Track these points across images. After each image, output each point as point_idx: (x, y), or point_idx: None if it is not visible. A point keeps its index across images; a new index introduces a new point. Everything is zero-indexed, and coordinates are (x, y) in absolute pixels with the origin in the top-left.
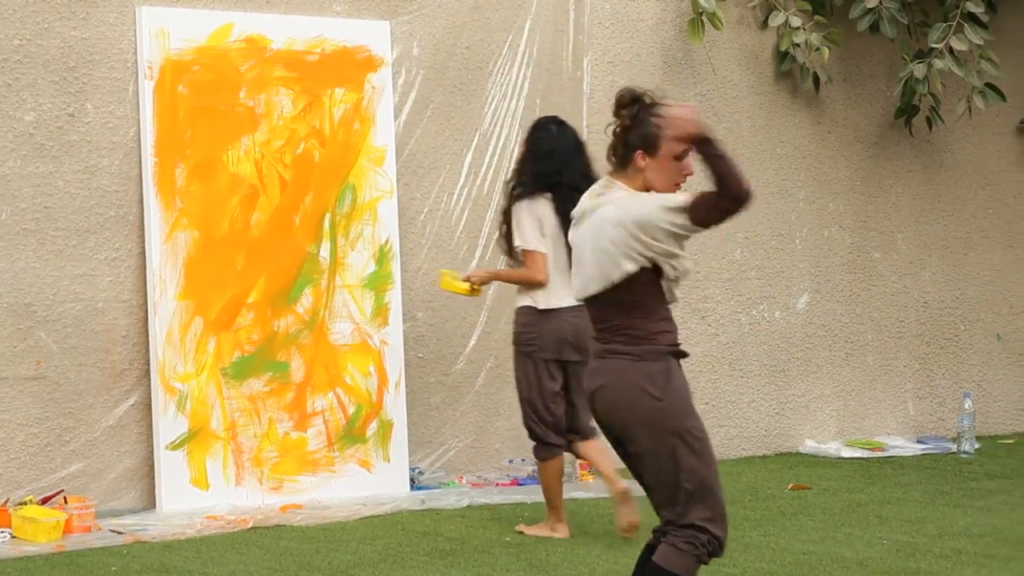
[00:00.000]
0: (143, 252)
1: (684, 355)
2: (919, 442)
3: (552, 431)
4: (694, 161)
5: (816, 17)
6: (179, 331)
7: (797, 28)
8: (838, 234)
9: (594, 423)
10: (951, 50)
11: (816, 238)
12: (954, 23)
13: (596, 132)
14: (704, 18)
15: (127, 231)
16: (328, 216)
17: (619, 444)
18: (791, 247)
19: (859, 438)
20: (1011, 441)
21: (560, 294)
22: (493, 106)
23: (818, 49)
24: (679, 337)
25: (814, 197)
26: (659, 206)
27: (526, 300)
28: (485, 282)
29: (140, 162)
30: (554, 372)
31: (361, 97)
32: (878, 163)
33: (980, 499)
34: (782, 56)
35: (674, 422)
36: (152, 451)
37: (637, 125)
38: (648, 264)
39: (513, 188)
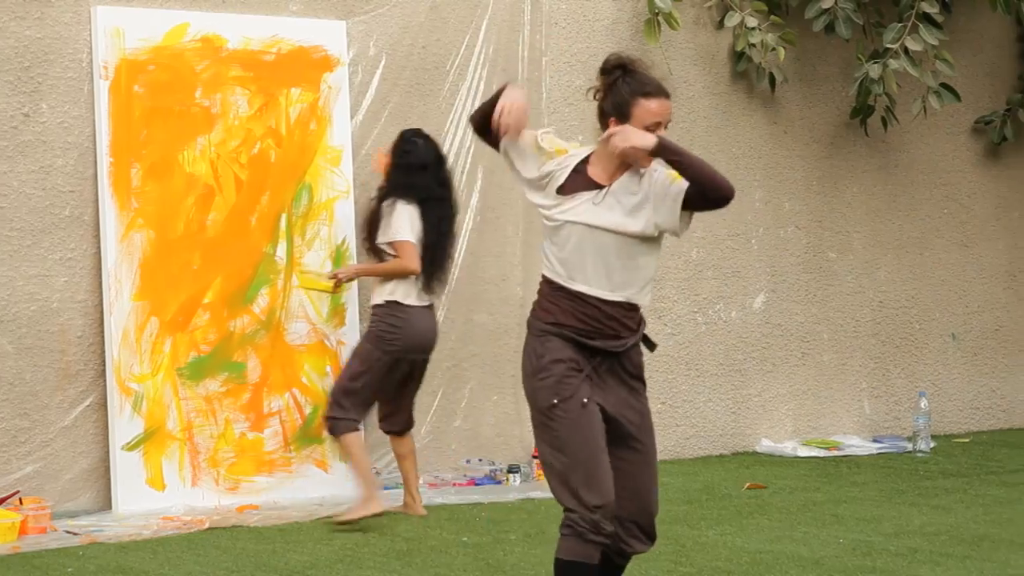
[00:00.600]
0: (98, 252)
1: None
2: (875, 441)
3: (361, 409)
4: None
5: (772, 17)
6: (135, 331)
7: (753, 28)
8: (794, 234)
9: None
10: (906, 50)
11: (772, 238)
12: (909, 23)
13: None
14: (660, 18)
15: (82, 231)
16: (284, 216)
17: None
18: (747, 247)
19: (815, 437)
20: (966, 440)
21: (417, 294)
22: (449, 106)
23: (774, 49)
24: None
25: (770, 197)
26: None
27: (387, 295)
28: (351, 279)
29: (95, 162)
30: (401, 369)
31: (317, 97)
32: (834, 163)
33: (936, 498)
34: (738, 56)
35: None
36: (108, 452)
37: (613, 93)
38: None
39: (383, 194)
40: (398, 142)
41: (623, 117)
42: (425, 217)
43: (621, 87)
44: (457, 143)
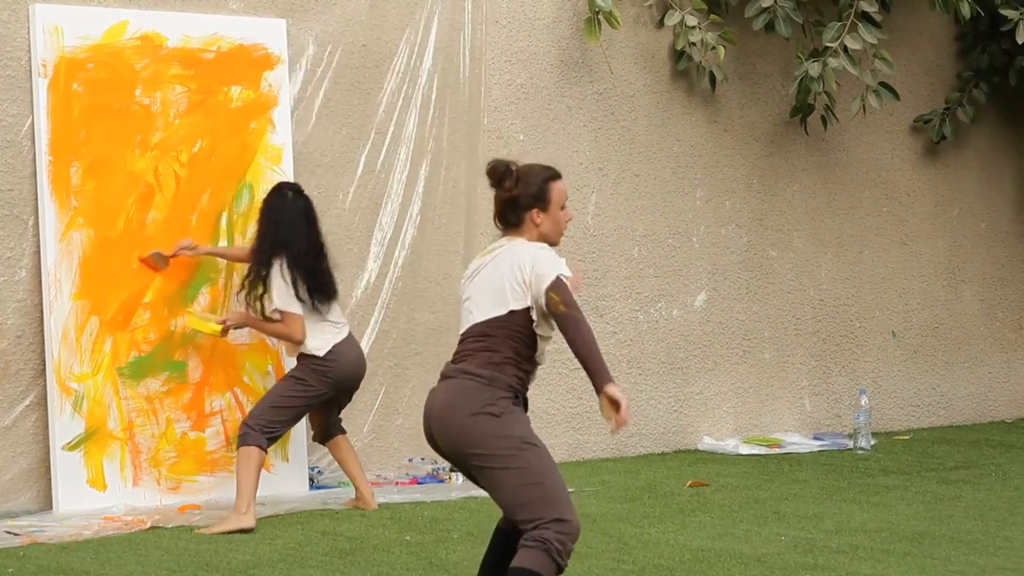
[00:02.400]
0: (38, 251)
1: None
2: (816, 439)
3: (280, 430)
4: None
5: (712, 16)
6: (75, 331)
7: (693, 27)
8: (735, 232)
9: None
10: (845, 49)
11: (713, 236)
12: (848, 22)
13: (493, 131)
14: (601, 17)
15: (21, 230)
16: (225, 215)
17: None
18: (688, 245)
19: (757, 435)
20: (906, 437)
21: (327, 335)
22: (390, 104)
23: (714, 48)
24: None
25: (711, 195)
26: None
27: (308, 348)
28: (240, 326)
29: (34, 160)
30: (324, 397)
31: (258, 95)
32: (774, 162)
33: (876, 495)
34: (678, 55)
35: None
36: (48, 452)
37: (525, 187)
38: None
39: (259, 253)
40: (269, 194)
41: (544, 203)
42: (290, 274)
43: (531, 181)
44: (398, 142)
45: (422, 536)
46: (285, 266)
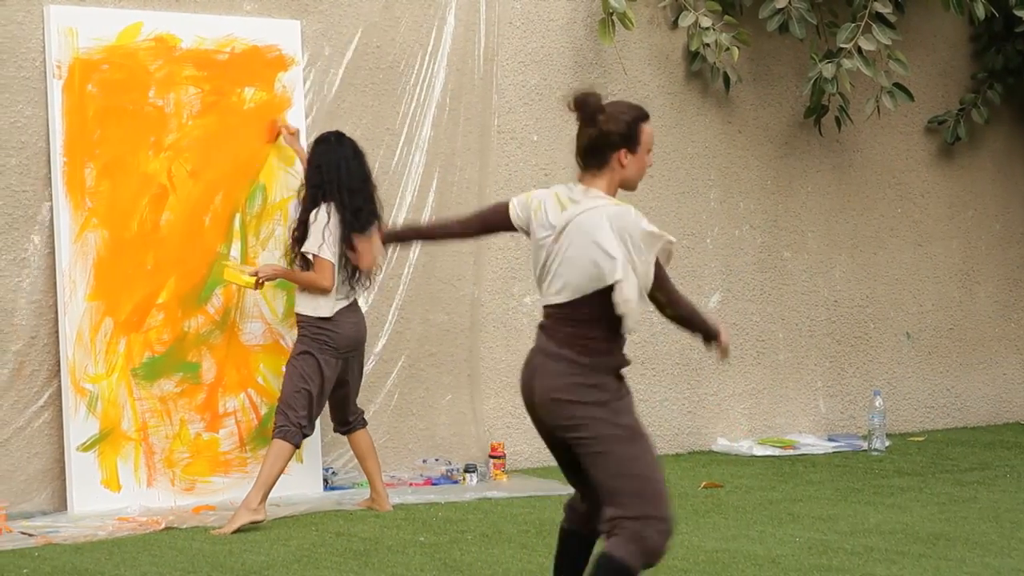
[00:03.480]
0: (52, 252)
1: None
2: (830, 440)
3: (310, 416)
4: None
5: (726, 17)
6: (89, 332)
7: (707, 28)
8: (749, 233)
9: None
10: (860, 50)
11: (727, 237)
12: (862, 23)
13: (507, 132)
14: (615, 18)
15: (36, 231)
16: (239, 216)
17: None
18: (702, 246)
19: (771, 436)
20: (921, 439)
21: (336, 297)
22: (404, 105)
23: (728, 49)
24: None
25: (725, 197)
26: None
27: (310, 309)
28: (272, 279)
29: (49, 162)
30: (336, 367)
31: (272, 96)
32: (788, 163)
33: (891, 496)
34: (692, 56)
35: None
36: (63, 452)
37: (615, 125)
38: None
39: (304, 196)
40: (314, 143)
41: (633, 144)
42: (343, 218)
43: (619, 117)
44: (412, 144)
45: (436, 537)
46: (331, 209)
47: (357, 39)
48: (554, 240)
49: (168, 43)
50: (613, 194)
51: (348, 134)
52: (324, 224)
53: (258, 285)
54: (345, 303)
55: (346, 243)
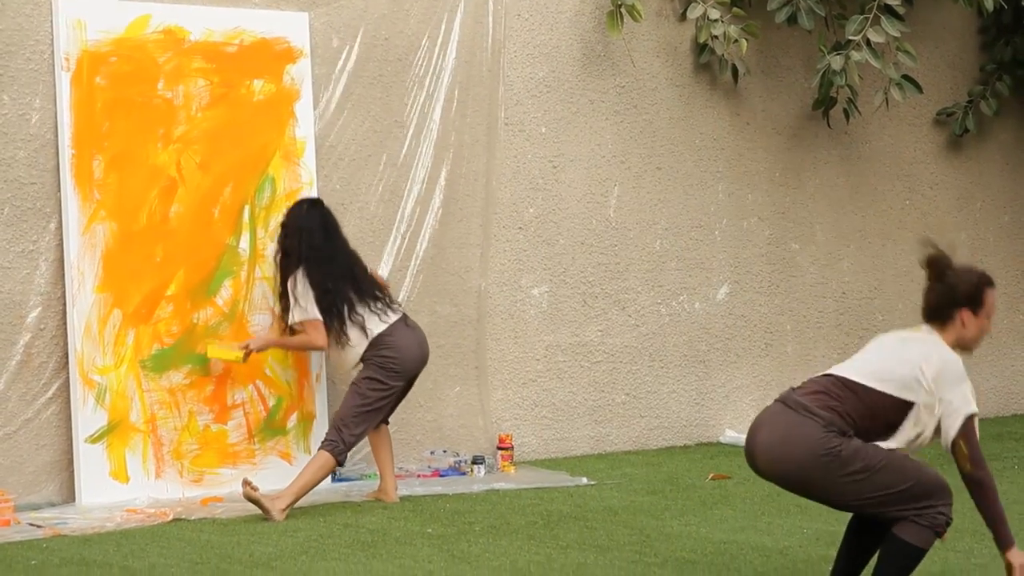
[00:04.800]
0: (61, 244)
1: None
2: None
3: (360, 435)
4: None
5: (734, 9)
6: (98, 324)
7: (715, 20)
8: (757, 225)
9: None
10: (868, 42)
11: (735, 229)
12: (871, 15)
13: (514, 124)
14: (623, 10)
15: (44, 223)
16: (247, 208)
17: None
18: (710, 238)
19: None
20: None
21: (359, 337)
22: (412, 98)
23: (736, 41)
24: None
25: (733, 188)
26: (959, 408)
27: (344, 362)
28: (262, 350)
29: (57, 154)
30: (400, 388)
31: (280, 89)
32: (796, 155)
33: None
34: (701, 48)
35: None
36: (71, 444)
37: (963, 284)
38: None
39: (281, 261)
40: (291, 208)
41: (977, 306)
42: (312, 283)
43: (968, 278)
44: (419, 135)
45: (444, 529)
46: (302, 275)
47: (365, 31)
48: (880, 337)
49: (177, 35)
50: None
51: (356, 127)
52: (301, 290)
53: (246, 358)
54: (381, 326)
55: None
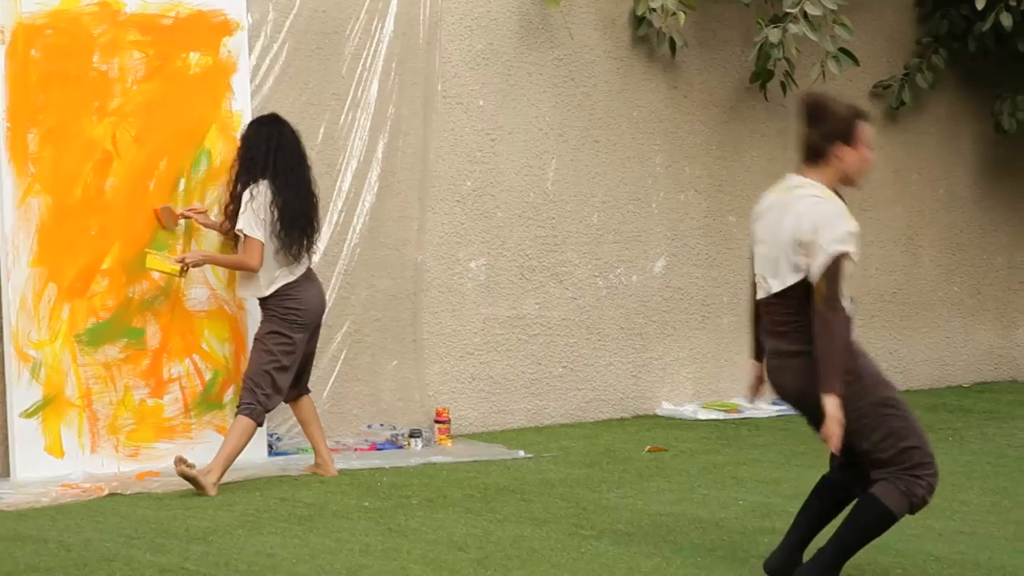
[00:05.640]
0: None
1: None
2: (774, 404)
3: (277, 393)
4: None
5: None
6: (33, 298)
7: None
8: (694, 198)
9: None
10: (805, 15)
11: (672, 202)
12: None
13: (452, 96)
14: None
15: None
16: (183, 181)
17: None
18: (648, 211)
19: (715, 400)
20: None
21: (277, 275)
22: (349, 71)
23: (674, 14)
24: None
25: (670, 161)
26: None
27: (250, 292)
28: (198, 264)
29: None
30: (304, 341)
31: (217, 61)
32: (734, 127)
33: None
34: (639, 21)
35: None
36: (6, 419)
37: (831, 119)
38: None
39: (238, 174)
40: (249, 125)
41: (850, 140)
42: (286, 190)
43: (839, 112)
44: (356, 108)
45: (381, 502)
46: (262, 189)
47: (302, 3)
48: (760, 218)
49: (112, 7)
50: (830, 187)
51: (293, 100)
52: (258, 202)
53: (183, 272)
54: (289, 278)
55: (282, 220)
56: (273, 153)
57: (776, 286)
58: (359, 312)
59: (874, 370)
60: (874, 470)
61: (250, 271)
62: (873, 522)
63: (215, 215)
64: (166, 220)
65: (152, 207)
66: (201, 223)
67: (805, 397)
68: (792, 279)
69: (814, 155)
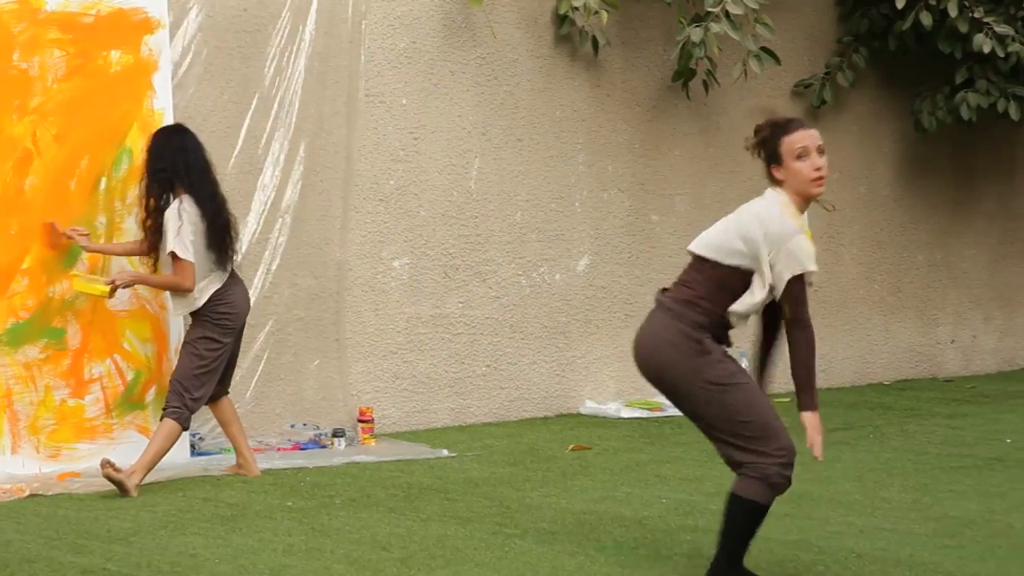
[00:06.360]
0: None
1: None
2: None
3: (203, 401)
4: (821, 157)
5: None
6: None
7: None
8: (617, 197)
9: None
10: (727, 14)
11: (595, 201)
12: None
13: (375, 95)
14: None
15: None
16: (104, 180)
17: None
18: (571, 210)
19: (639, 399)
20: (786, 399)
21: (206, 284)
22: (272, 69)
23: (597, 13)
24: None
25: (593, 160)
26: (789, 255)
27: (185, 307)
28: (128, 285)
29: None
30: (232, 344)
31: (138, 60)
32: (656, 126)
33: None
34: (561, 19)
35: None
36: None
37: (762, 146)
38: (749, 269)
39: (149, 187)
40: (153, 136)
41: (776, 159)
42: (209, 202)
43: (766, 137)
44: (279, 107)
45: (304, 502)
46: (190, 205)
47: (224, 2)
48: None
49: (32, 6)
50: (797, 204)
51: (215, 98)
52: (187, 221)
53: (112, 293)
54: (218, 284)
55: (210, 233)
56: (187, 165)
57: (709, 253)
58: (282, 311)
59: (724, 353)
60: (727, 454)
61: (184, 291)
62: (744, 517)
63: (135, 217)
64: (52, 238)
65: (43, 221)
66: (82, 246)
67: (663, 371)
68: (724, 259)
69: (771, 180)
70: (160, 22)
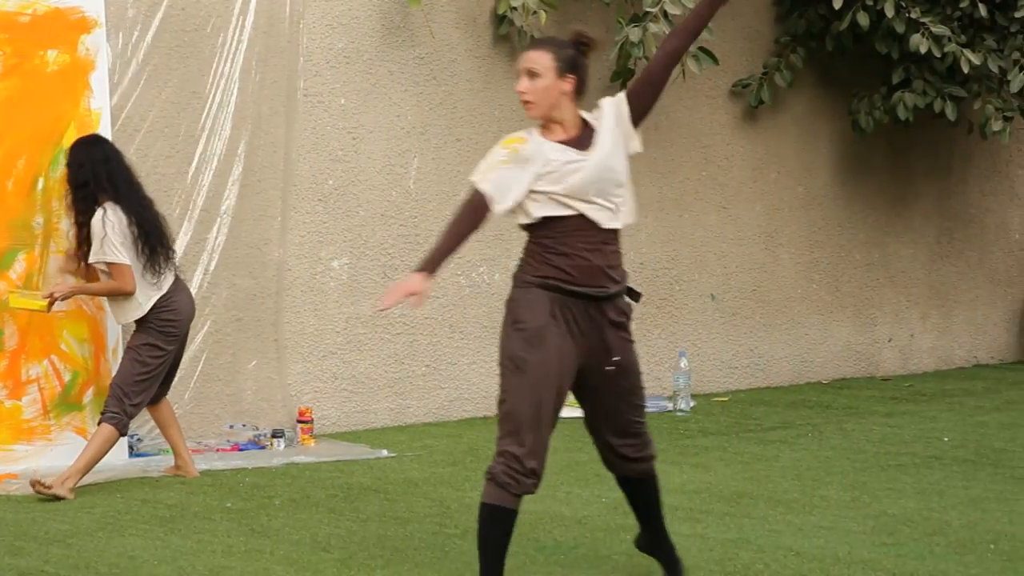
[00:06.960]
0: None
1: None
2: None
3: (143, 403)
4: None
5: None
6: None
7: None
8: None
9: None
10: (666, 14)
11: None
12: None
13: (313, 95)
14: None
15: None
16: (41, 181)
17: None
18: None
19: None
20: (725, 399)
21: (149, 292)
22: (210, 68)
23: (535, 12)
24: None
25: None
26: None
27: (126, 316)
28: (67, 297)
29: None
30: (175, 349)
31: (75, 59)
32: None
33: (695, 456)
34: (500, 19)
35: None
36: None
37: None
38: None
39: (75, 200)
40: (72, 147)
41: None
42: (139, 209)
43: None
44: (217, 106)
45: (244, 503)
46: (114, 212)
47: (161, 1)
48: None
49: None
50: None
51: (153, 98)
52: (113, 226)
53: (50, 307)
54: (162, 290)
55: (142, 238)
56: (111, 174)
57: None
58: (220, 312)
59: (540, 333)
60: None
61: (126, 295)
62: (481, 521)
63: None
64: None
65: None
66: (61, 294)
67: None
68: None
69: None
70: (97, 21)
